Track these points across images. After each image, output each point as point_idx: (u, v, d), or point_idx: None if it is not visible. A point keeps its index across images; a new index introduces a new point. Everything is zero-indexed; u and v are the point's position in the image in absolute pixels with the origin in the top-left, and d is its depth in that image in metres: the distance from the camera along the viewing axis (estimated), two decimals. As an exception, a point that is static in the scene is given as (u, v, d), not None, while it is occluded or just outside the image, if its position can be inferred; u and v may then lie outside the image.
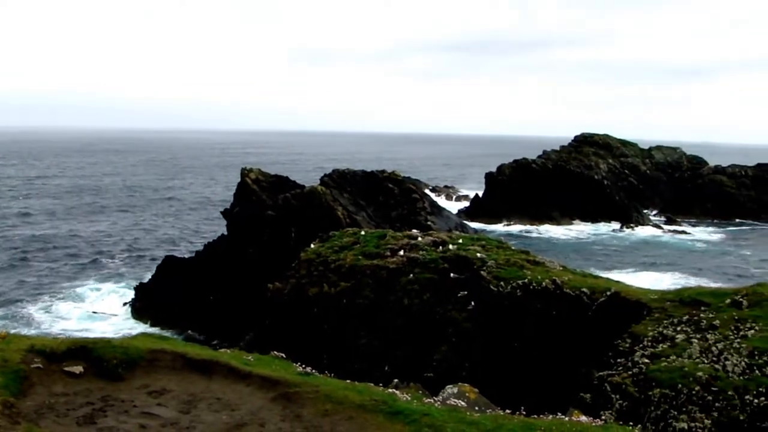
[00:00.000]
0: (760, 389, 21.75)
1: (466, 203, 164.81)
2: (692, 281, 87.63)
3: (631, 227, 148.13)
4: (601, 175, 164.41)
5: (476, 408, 18.17)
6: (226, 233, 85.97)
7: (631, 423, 19.34)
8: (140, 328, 71.61)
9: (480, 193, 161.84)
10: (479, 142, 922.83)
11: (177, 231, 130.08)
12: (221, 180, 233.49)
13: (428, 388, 26.11)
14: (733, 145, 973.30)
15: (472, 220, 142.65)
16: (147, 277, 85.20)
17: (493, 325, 37.35)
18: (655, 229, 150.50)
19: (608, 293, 33.72)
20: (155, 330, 68.22)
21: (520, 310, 36.55)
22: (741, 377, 22.54)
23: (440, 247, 44.22)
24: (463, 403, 18.26)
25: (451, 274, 40.93)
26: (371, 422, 15.03)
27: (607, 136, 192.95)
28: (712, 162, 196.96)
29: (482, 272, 39.39)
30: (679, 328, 26.76)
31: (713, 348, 24.24)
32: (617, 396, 23.82)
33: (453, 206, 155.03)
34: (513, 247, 45.81)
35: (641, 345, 26.51)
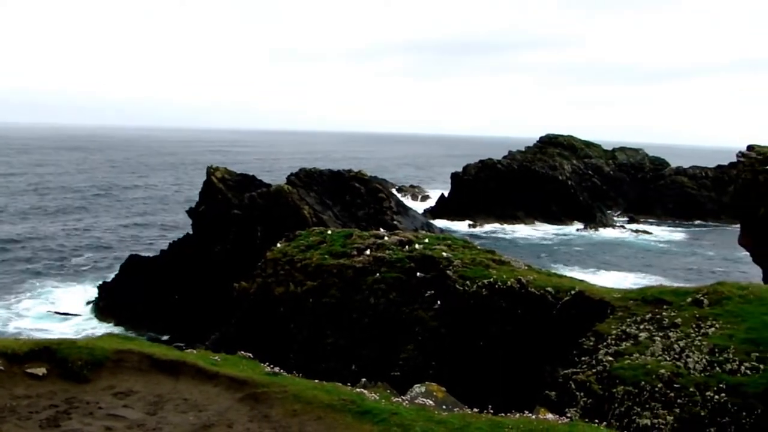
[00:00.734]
0: (721, 385, 22.06)
1: (432, 203, 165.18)
2: (654, 280, 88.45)
3: (595, 227, 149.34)
4: (565, 176, 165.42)
5: (444, 407, 18.30)
6: (191, 232, 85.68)
7: (596, 420, 19.61)
8: (103, 327, 71.23)
9: (446, 193, 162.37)
10: (448, 142, 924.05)
11: (142, 230, 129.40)
12: (189, 179, 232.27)
13: (395, 387, 26.26)
14: (694, 147, 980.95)
15: (438, 220, 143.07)
16: (110, 276, 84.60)
17: (459, 324, 37.49)
18: (618, 229, 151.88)
19: (572, 292, 33.95)
20: (119, 330, 67.96)
21: (486, 309, 36.71)
22: (702, 374, 22.85)
23: (407, 247, 44.33)
24: (431, 402, 18.38)
25: (418, 274, 41.04)
26: (340, 422, 15.00)
27: (571, 137, 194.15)
28: (674, 163, 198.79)
29: (448, 271, 39.53)
30: (642, 327, 27.04)
31: (675, 346, 24.52)
32: (582, 393, 24.06)
33: (419, 206, 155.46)
34: (478, 247, 45.97)
35: (605, 343, 26.75)
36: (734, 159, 79.43)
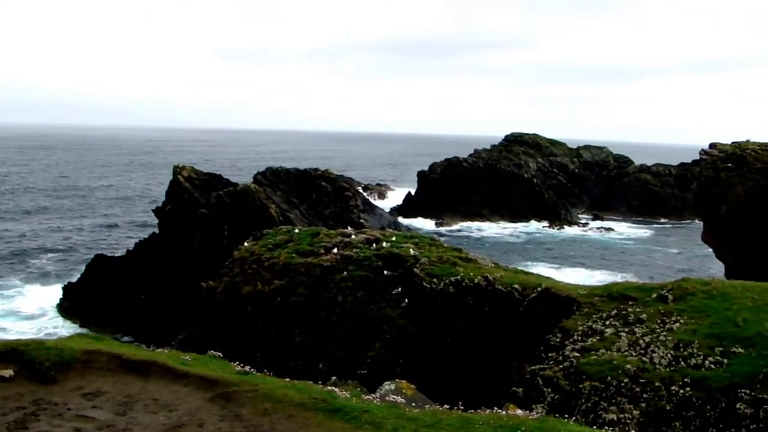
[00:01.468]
0: (686, 380, 22.34)
1: (399, 201, 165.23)
2: (620, 277, 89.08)
3: (560, 225, 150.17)
4: (530, 174, 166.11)
5: (414, 404, 18.36)
6: (158, 232, 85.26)
7: (566, 416, 19.77)
8: (67, 328, 70.73)
9: (412, 192, 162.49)
10: (415, 141, 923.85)
11: (108, 230, 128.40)
12: (154, 178, 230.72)
13: (363, 385, 26.35)
14: (657, 145, 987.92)
15: (405, 218, 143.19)
16: (75, 276, 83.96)
17: (427, 322, 37.63)
18: (583, 226, 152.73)
19: (539, 289, 34.16)
20: (83, 330, 67.53)
21: (453, 307, 36.87)
22: (667, 369, 23.11)
23: (374, 245, 44.45)
24: (401, 400, 18.43)
25: (385, 272, 41.17)
26: (311, 420, 14.99)
27: (536, 135, 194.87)
28: (638, 161, 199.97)
29: (415, 269, 39.69)
30: (608, 323, 27.28)
31: (641, 341, 24.77)
32: (549, 389, 24.25)
33: (385, 204, 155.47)
34: (445, 245, 46.17)
35: (571, 339, 26.97)
36: (697, 157, 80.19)
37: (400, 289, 39.85)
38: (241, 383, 16.92)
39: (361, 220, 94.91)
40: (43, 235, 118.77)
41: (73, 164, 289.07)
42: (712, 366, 22.76)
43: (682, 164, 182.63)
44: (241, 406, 16.01)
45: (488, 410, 16.84)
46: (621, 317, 27.37)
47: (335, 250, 43.87)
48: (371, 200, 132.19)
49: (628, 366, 23.26)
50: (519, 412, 17.12)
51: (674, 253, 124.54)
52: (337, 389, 17.52)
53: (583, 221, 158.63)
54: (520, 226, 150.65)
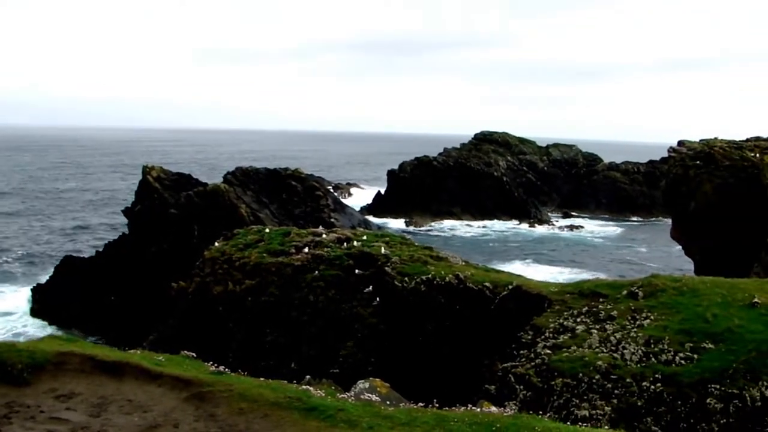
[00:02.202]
0: (657, 376, 22.50)
1: (369, 200, 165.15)
2: (590, 274, 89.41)
3: (530, 223, 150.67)
4: (500, 172, 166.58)
5: (388, 402, 18.37)
6: (127, 232, 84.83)
7: (540, 413, 19.84)
8: (37, 329, 70.25)
9: (383, 191, 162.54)
10: (387, 140, 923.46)
11: (76, 230, 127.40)
12: (123, 178, 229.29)
13: (337, 384, 26.36)
14: (626, 143, 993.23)
15: (375, 217, 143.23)
16: (44, 278, 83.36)
17: (399, 321, 37.70)
18: (553, 224, 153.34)
19: (510, 287, 34.27)
20: (51, 329, 67.15)
21: (425, 305, 36.95)
22: (638, 365, 23.27)
23: (345, 244, 44.49)
24: (376, 398, 18.44)
25: (356, 271, 41.23)
26: (287, 419, 14.96)
27: (506, 134, 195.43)
28: (607, 159, 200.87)
29: (386, 268, 39.74)
30: (579, 320, 27.42)
31: (612, 338, 24.91)
32: (521, 386, 24.34)
33: (356, 203, 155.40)
34: (416, 244, 46.25)
35: (543, 336, 27.08)
36: (666, 154, 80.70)
37: (371, 288, 39.93)
38: (216, 383, 16.83)
39: (332, 220, 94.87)
40: (11, 237, 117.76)
41: (39, 165, 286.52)
42: (683, 362, 22.94)
43: (651, 162, 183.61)
44: (215, 405, 15.92)
45: (463, 408, 16.87)
46: (592, 314, 27.52)
47: (306, 250, 43.86)
48: (342, 199, 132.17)
49: (600, 362, 23.39)
50: (493, 409, 17.20)
51: (644, 250, 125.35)
52: (311, 388, 17.50)
53: (553, 219, 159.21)
54: (490, 225, 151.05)
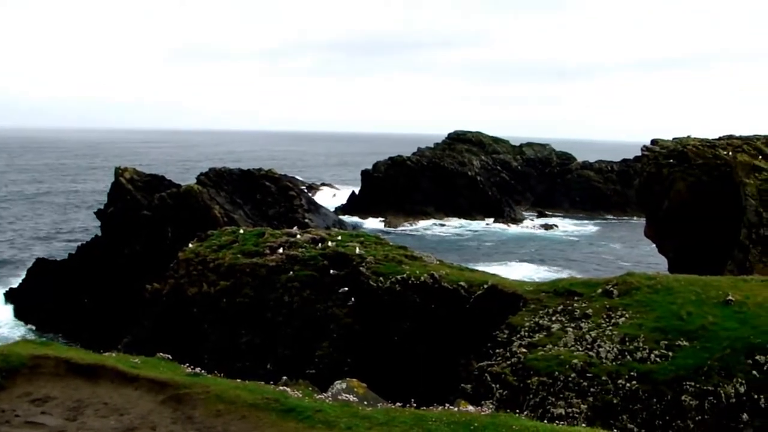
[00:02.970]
0: (632, 373, 22.60)
1: (343, 200, 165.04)
2: (565, 273, 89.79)
3: (505, 222, 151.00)
4: (474, 172, 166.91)
5: (366, 402, 18.33)
6: (100, 234, 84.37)
7: (517, 411, 19.83)
8: (10, 331, 69.73)
9: (357, 191, 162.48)
10: (361, 139, 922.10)
11: (49, 233, 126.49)
12: (95, 180, 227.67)
13: (313, 384, 26.26)
14: (600, 142, 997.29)
15: (350, 217, 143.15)
16: (17, 281, 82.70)
17: (374, 321, 37.63)
18: (527, 223, 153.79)
19: (485, 286, 34.28)
20: (23, 331, 66.69)
21: (400, 305, 36.90)
22: (614, 363, 23.36)
23: (319, 244, 44.39)
24: (353, 398, 18.39)
25: (331, 271, 41.15)
26: (264, 420, 14.92)
27: (479, 133, 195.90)
28: (581, 158, 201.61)
29: (361, 268, 39.67)
30: (554, 318, 27.49)
31: (587, 336, 24.99)
32: (497, 385, 24.37)
33: (330, 204, 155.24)
34: (391, 243, 46.20)
35: (519, 335, 27.13)
36: (639, 153, 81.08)
37: (346, 288, 39.85)
38: (193, 385, 16.74)
39: (306, 220, 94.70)
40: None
41: (12, 167, 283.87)
42: (658, 359, 23.03)
43: (625, 161, 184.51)
44: (193, 408, 15.86)
45: (440, 407, 16.84)
46: (567, 312, 27.59)
47: (281, 250, 43.73)
48: (315, 199, 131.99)
49: (575, 361, 23.46)
50: (471, 408, 17.19)
51: (618, 248, 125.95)
52: (288, 389, 17.43)
53: (527, 218, 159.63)
54: (464, 224, 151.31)
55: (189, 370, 19.10)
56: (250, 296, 41.98)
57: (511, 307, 30.67)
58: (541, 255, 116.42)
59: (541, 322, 27.48)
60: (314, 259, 42.29)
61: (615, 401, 22.13)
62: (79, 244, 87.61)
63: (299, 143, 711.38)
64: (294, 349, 39.20)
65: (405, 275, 37.84)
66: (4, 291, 79.62)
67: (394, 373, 34.59)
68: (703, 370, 22.11)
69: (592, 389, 22.53)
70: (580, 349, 24.39)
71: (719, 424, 21.23)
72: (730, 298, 25.79)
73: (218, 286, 43.16)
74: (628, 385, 22.35)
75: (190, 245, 48.72)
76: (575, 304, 28.04)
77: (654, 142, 74.94)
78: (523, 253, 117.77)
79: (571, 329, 25.95)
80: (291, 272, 41.83)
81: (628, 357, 23.45)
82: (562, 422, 21.28)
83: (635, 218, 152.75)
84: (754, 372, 21.85)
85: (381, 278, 38.38)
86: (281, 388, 17.66)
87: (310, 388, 21.30)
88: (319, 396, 17.62)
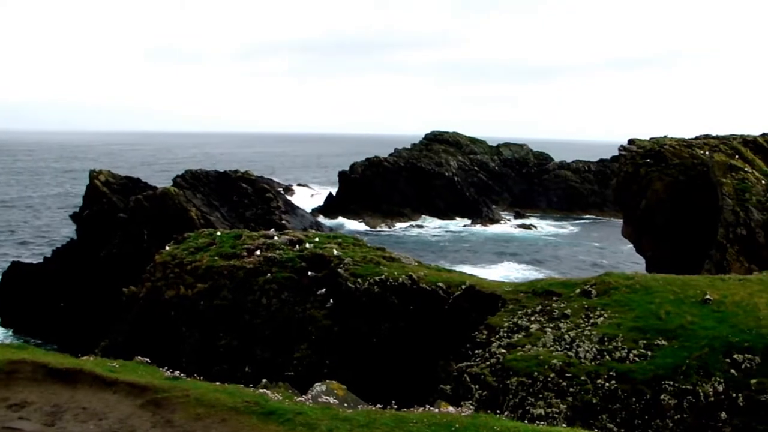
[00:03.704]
0: (611, 373, 22.61)
1: (320, 202, 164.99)
2: (543, 273, 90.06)
3: (482, 222, 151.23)
4: (451, 172, 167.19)
5: (346, 404, 18.28)
6: (76, 238, 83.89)
7: (497, 412, 19.80)
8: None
9: (334, 192, 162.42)
10: (339, 141, 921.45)
11: (25, 237, 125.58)
12: (70, 183, 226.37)
13: (293, 387, 26.16)
14: (577, 142, 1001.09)
15: (327, 218, 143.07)
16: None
17: (353, 322, 37.62)
18: (504, 223, 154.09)
19: (464, 287, 34.31)
20: (1, 337, 66.23)
21: (379, 306, 36.93)
22: (593, 363, 23.36)
23: (297, 246, 44.28)
24: (333, 400, 18.32)
25: (309, 273, 41.07)
26: (245, 424, 14.82)
27: (456, 133, 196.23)
28: (558, 158, 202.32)
29: (339, 270, 39.63)
30: (533, 318, 27.48)
31: (566, 336, 24.99)
32: (476, 386, 24.33)
33: (307, 205, 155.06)
34: (368, 245, 46.18)
35: (497, 336, 27.11)
36: (616, 153, 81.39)
37: (324, 290, 39.80)
38: (172, 389, 16.62)
39: (283, 222, 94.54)
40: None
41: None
42: (637, 359, 23.06)
43: (602, 161, 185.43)
44: (172, 411, 15.73)
45: (421, 408, 16.79)
46: (546, 313, 27.60)
47: (258, 252, 43.59)
48: (292, 201, 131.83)
49: (554, 361, 23.45)
50: (451, 409, 17.13)
51: (596, 248, 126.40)
52: (268, 392, 17.35)
53: (505, 218, 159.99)
54: (442, 224, 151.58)
55: (168, 373, 18.98)
56: (227, 299, 41.81)
57: (490, 307, 30.67)
58: (519, 255, 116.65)
59: (519, 322, 27.47)
60: (292, 260, 42.19)
61: (594, 401, 22.13)
62: (55, 247, 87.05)
63: (275, 145, 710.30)
64: (272, 352, 39.10)
65: (383, 276, 37.87)
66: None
67: (374, 375, 34.58)
68: (682, 369, 22.15)
69: (571, 389, 22.52)
70: (559, 349, 24.40)
71: (698, 422, 21.27)
72: (708, 297, 25.87)
73: (195, 289, 42.95)
74: (607, 384, 22.36)
75: (167, 248, 48.46)
76: (554, 305, 28.05)
77: (631, 141, 75.28)
78: (502, 254, 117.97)
79: (549, 329, 25.95)
80: (269, 274, 41.72)
81: (607, 357, 23.46)
82: (541, 422, 21.27)
83: (613, 218, 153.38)
84: (733, 371, 21.93)
85: (359, 280, 38.39)
86: (261, 390, 17.58)
87: (290, 391, 21.20)
88: (299, 398, 17.52)
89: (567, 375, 22.95)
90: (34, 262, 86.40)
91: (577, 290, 28.88)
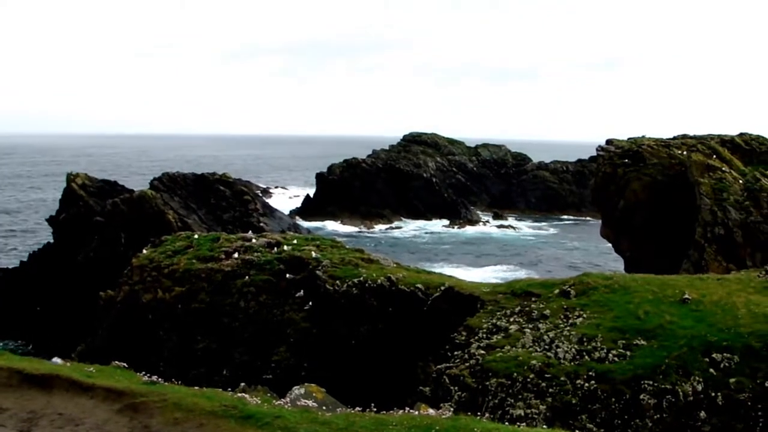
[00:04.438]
0: (590, 373, 22.61)
1: (299, 204, 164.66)
2: (522, 274, 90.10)
3: (461, 223, 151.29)
4: (429, 173, 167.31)
5: (325, 407, 18.14)
6: (52, 241, 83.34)
7: (477, 413, 19.74)
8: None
9: (312, 193, 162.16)
10: (316, 142, 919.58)
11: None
12: (46, 187, 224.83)
13: (271, 390, 26.01)
14: (555, 142, 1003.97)
15: (305, 220, 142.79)
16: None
17: (331, 324, 37.51)
18: (483, 224, 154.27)
19: (442, 288, 34.29)
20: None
21: (357, 308, 36.87)
22: (572, 363, 23.36)
23: (275, 249, 44.11)
24: (312, 404, 18.18)
25: (287, 275, 40.92)
26: (223, 428, 14.67)
27: (434, 134, 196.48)
28: (536, 158, 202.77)
29: (318, 272, 39.52)
30: (512, 319, 27.46)
31: (545, 337, 24.98)
32: (456, 388, 24.26)
33: (285, 207, 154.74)
34: (347, 246, 46.08)
35: (477, 337, 27.07)
36: (594, 153, 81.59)
37: (302, 292, 39.65)
38: (149, 393, 16.46)
39: (261, 224, 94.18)
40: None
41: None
42: (616, 359, 23.08)
43: (580, 161, 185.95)
44: (150, 416, 15.58)
45: (401, 411, 16.70)
46: (525, 314, 27.59)
47: (236, 255, 43.42)
48: (270, 203, 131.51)
49: (534, 362, 23.42)
50: (431, 411, 17.03)
51: (575, 248, 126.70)
52: (247, 396, 17.20)
53: (483, 219, 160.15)
54: (421, 226, 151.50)
55: (145, 378, 18.81)
56: (205, 302, 41.62)
57: (469, 308, 30.64)
58: (498, 256, 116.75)
59: (498, 323, 27.45)
60: (270, 263, 42.04)
61: (574, 401, 22.12)
62: (31, 251, 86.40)
63: (252, 147, 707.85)
64: (251, 355, 38.94)
65: (362, 278, 37.81)
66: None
67: (353, 377, 34.47)
68: (661, 368, 22.19)
69: (550, 390, 22.51)
70: (539, 350, 24.38)
71: (677, 422, 21.31)
72: (686, 296, 25.95)
73: (173, 292, 42.72)
74: (586, 385, 22.36)
75: (144, 251, 48.18)
76: (533, 305, 28.05)
77: (609, 142, 75.50)
78: (481, 255, 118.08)
79: (528, 330, 25.94)
80: (247, 277, 41.55)
81: (586, 357, 23.46)
82: (521, 423, 21.23)
83: (591, 218, 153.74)
84: (711, 370, 22.01)
85: (338, 282, 38.31)
86: (239, 394, 17.44)
87: (269, 394, 21.05)
88: (278, 402, 17.40)
89: (546, 376, 22.94)
90: (10, 266, 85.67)
91: (556, 291, 28.90)
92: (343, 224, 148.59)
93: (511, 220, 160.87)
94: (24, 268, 79.71)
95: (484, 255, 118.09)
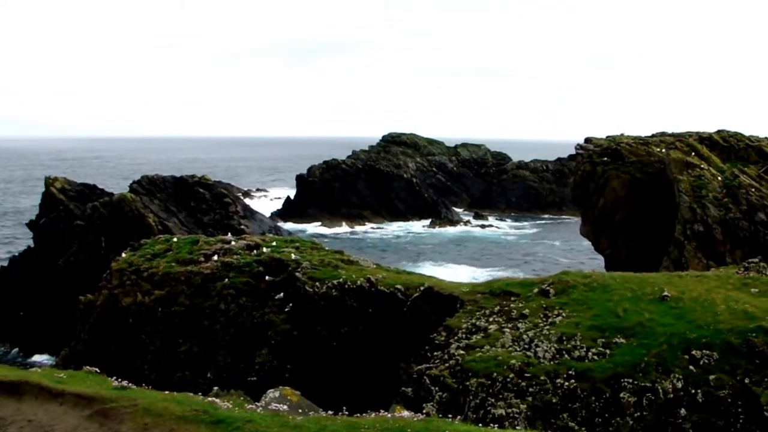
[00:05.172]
0: (570, 372, 22.59)
1: (279, 206, 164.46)
2: (502, 273, 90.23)
3: (442, 223, 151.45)
4: (410, 174, 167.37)
5: (299, 411, 18.08)
6: (32, 246, 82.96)
7: (455, 414, 19.71)
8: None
9: (292, 195, 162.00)
10: (296, 143, 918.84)
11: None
12: (26, 191, 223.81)
13: (252, 393, 25.90)
14: (535, 142, 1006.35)
15: (285, 222, 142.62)
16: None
17: (312, 326, 37.42)
18: (464, 224, 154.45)
19: (422, 288, 34.24)
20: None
21: (337, 310, 36.77)
22: (552, 362, 23.34)
23: (254, 251, 43.98)
24: (285, 407, 18.10)
25: (267, 277, 40.78)
26: (193, 433, 14.70)
27: (414, 135, 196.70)
28: (516, 158, 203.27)
29: (297, 274, 39.41)
30: (491, 319, 27.43)
31: (525, 336, 24.95)
32: (437, 388, 24.20)
33: (266, 209, 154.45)
34: (327, 248, 46.03)
35: (456, 337, 27.03)
36: (573, 151, 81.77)
37: (282, 294, 39.54)
38: (119, 398, 16.34)
39: (242, 226, 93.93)
40: None
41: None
42: (596, 357, 23.08)
43: (559, 159, 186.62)
44: (120, 422, 15.46)
45: (374, 414, 16.64)
46: (504, 313, 27.56)
47: (215, 258, 43.26)
48: (251, 205, 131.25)
49: (513, 361, 23.40)
50: (405, 413, 16.97)
51: (554, 247, 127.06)
52: (218, 400, 17.11)
53: (464, 219, 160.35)
54: (402, 226, 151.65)
55: (116, 383, 18.69)
56: (185, 305, 41.42)
57: (448, 309, 30.61)
58: (477, 255, 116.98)
59: (478, 323, 27.42)
60: (249, 265, 41.88)
61: (554, 400, 22.11)
62: (11, 256, 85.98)
63: (229, 149, 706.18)
64: (234, 357, 38.83)
65: (341, 280, 37.72)
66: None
67: (335, 379, 34.44)
68: (641, 366, 22.20)
69: (531, 389, 22.49)
70: (518, 349, 24.35)
71: (658, 420, 21.32)
72: (665, 294, 25.99)
73: (153, 296, 42.51)
74: (566, 384, 22.34)
75: (123, 255, 47.93)
76: (512, 305, 28.02)
77: (588, 140, 75.67)
78: (461, 255, 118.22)
79: (508, 330, 25.91)
80: (226, 279, 41.38)
81: (566, 356, 23.46)
82: (503, 422, 21.25)
83: (571, 217, 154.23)
84: (691, 367, 22.01)
85: (317, 283, 38.21)
86: (210, 399, 17.35)
87: (242, 398, 20.96)
88: (250, 406, 17.30)
89: (526, 375, 22.91)
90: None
91: (535, 290, 28.88)
92: (325, 226, 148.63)
93: (491, 220, 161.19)
94: (5, 273, 79.30)
95: (465, 254, 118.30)
